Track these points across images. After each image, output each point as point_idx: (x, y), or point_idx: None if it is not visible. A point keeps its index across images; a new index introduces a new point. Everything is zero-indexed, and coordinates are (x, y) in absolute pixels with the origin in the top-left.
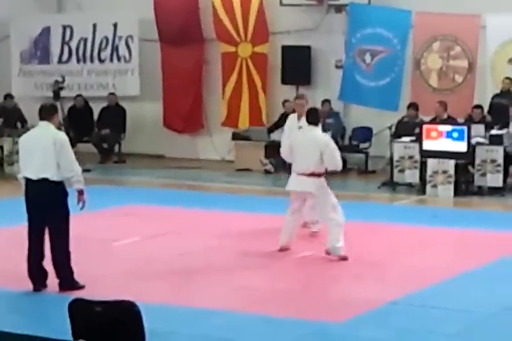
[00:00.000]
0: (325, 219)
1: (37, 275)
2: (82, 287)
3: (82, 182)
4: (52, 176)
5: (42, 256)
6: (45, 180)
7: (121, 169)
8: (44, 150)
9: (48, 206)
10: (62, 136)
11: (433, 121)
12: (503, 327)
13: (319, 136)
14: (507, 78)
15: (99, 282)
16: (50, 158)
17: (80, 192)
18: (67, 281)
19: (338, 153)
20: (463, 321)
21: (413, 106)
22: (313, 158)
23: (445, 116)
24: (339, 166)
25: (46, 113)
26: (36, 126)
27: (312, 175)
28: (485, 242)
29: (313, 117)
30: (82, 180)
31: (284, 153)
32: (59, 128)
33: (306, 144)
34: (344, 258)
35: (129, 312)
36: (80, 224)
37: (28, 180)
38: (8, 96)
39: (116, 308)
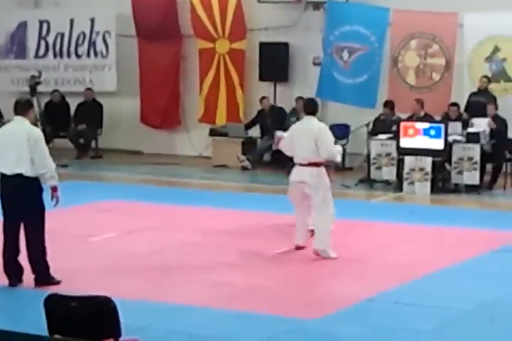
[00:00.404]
0: (315, 211)
1: (12, 271)
2: (58, 282)
3: (55, 179)
4: (27, 172)
5: (17, 252)
6: (19, 175)
7: (98, 165)
8: (18, 146)
9: (22, 201)
10: (37, 132)
11: (410, 119)
12: (478, 323)
13: (314, 125)
14: (484, 76)
15: (76, 277)
16: (24, 154)
17: (54, 189)
18: (43, 276)
19: (331, 141)
20: (438, 318)
21: (389, 104)
22: (308, 146)
23: (422, 113)
24: (334, 154)
25: (21, 108)
26: (11, 121)
27: (310, 164)
28: (461, 239)
29: (310, 107)
30: (56, 177)
31: (284, 146)
32: (35, 124)
33: (303, 134)
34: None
35: (105, 308)
36: (57, 220)
37: (3, 176)
38: None
39: (92, 303)
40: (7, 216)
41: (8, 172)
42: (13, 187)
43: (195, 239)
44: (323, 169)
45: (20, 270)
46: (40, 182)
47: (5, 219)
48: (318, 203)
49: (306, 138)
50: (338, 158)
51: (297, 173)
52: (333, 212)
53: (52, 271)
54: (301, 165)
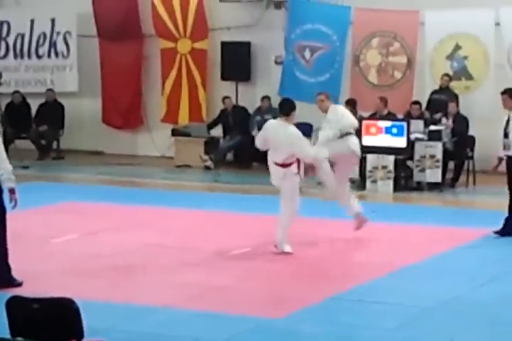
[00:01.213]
0: (281, 205)
1: None
2: (19, 284)
3: (12, 181)
4: None
5: None
6: None
7: (60, 166)
8: None
9: None
10: None
11: (373, 117)
12: (441, 321)
13: (289, 129)
14: (445, 75)
15: (37, 279)
16: None
17: (11, 191)
18: (4, 278)
19: (306, 145)
20: (402, 315)
21: (350, 102)
22: (283, 151)
23: (385, 112)
24: (314, 157)
25: None
26: None
27: (283, 165)
28: (424, 237)
29: (287, 108)
30: (13, 178)
31: (259, 144)
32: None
33: (277, 140)
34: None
35: (67, 309)
36: (18, 221)
37: None
38: None
39: (54, 305)
40: None
41: None
42: None
43: (157, 240)
44: (294, 166)
45: None
46: None
47: None
48: (284, 197)
49: (281, 144)
50: (317, 160)
51: (272, 175)
52: (295, 208)
53: (14, 273)
54: (276, 164)
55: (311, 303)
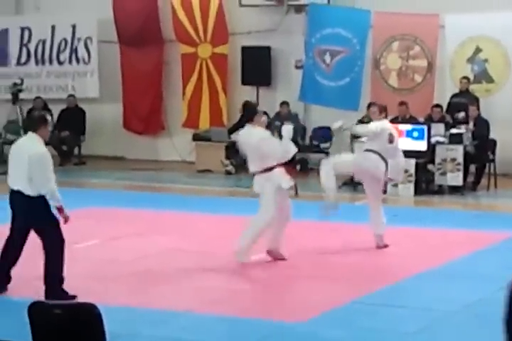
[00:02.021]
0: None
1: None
2: (73, 297)
3: (57, 199)
4: (25, 190)
5: (13, 262)
6: (18, 191)
7: (81, 171)
8: (19, 163)
9: (26, 217)
10: (40, 151)
11: (394, 121)
12: (463, 324)
13: (253, 136)
14: (464, 78)
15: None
16: (23, 172)
17: (59, 210)
18: (56, 291)
19: (275, 147)
20: (423, 319)
21: (372, 105)
22: (253, 159)
23: (408, 116)
24: (284, 157)
25: (30, 124)
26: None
27: (262, 172)
28: (445, 241)
29: (246, 114)
30: (58, 197)
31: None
32: (47, 143)
33: (246, 148)
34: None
35: (89, 315)
36: None
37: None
38: None
39: (76, 311)
40: (14, 226)
41: (11, 186)
42: (15, 202)
43: (178, 244)
44: (273, 173)
45: (8, 279)
46: (41, 200)
47: (12, 228)
48: (260, 205)
49: (249, 153)
50: (290, 155)
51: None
52: (267, 217)
53: (38, 278)
54: (254, 174)
55: (332, 307)
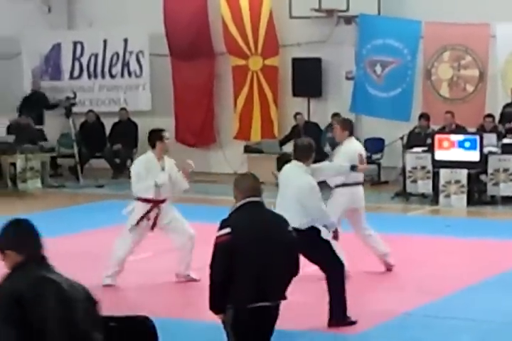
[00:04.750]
0: None
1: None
2: (353, 322)
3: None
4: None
5: None
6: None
7: None
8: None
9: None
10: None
11: (442, 131)
12: None
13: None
14: None
15: (114, 297)
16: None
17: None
18: (338, 317)
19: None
20: (476, 331)
21: (424, 116)
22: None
23: (453, 125)
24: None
25: (300, 153)
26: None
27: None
28: (499, 252)
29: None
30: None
31: None
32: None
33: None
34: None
35: (143, 327)
36: (95, 240)
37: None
38: (23, 114)
39: (130, 323)
40: None
41: None
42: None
43: None
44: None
45: None
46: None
47: None
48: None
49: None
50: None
51: None
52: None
53: (94, 291)
54: None
55: (385, 319)
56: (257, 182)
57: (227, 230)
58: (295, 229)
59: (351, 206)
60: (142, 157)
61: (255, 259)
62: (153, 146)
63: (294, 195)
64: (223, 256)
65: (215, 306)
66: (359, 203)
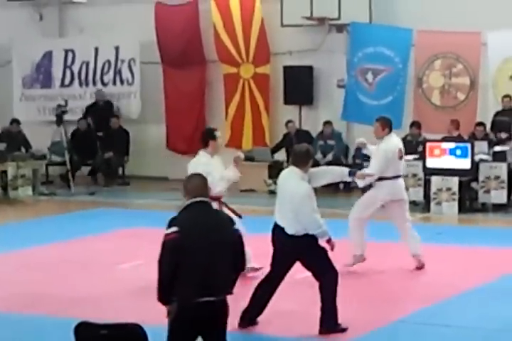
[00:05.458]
0: None
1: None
2: (344, 330)
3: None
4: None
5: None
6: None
7: (126, 192)
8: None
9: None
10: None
11: (444, 140)
12: None
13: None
14: (506, 96)
15: (105, 305)
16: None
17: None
18: (330, 324)
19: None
20: (468, 338)
21: (416, 124)
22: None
23: (456, 134)
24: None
25: (299, 159)
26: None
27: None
28: (490, 259)
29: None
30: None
31: None
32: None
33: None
34: None
35: (134, 335)
36: (85, 248)
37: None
38: (15, 122)
39: (121, 331)
40: None
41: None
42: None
43: None
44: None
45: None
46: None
47: None
48: None
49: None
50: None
51: None
52: None
53: (80, 300)
54: None
55: (376, 327)
56: (204, 182)
57: (175, 229)
58: (292, 236)
59: (391, 198)
60: (198, 158)
61: (200, 257)
62: (206, 145)
63: (288, 202)
64: (170, 254)
65: (162, 299)
66: (400, 195)
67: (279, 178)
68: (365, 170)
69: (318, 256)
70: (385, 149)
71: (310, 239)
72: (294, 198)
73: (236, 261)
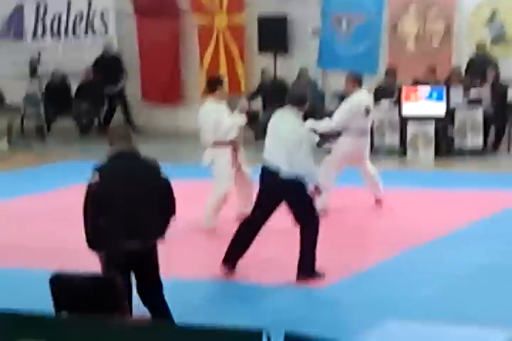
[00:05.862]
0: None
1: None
2: (320, 276)
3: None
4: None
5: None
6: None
7: (102, 143)
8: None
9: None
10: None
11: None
12: (479, 288)
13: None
14: (481, 41)
15: (81, 256)
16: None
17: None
18: (306, 270)
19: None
20: (440, 284)
21: (390, 71)
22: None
23: (433, 80)
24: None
25: (295, 99)
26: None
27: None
28: (465, 202)
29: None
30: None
31: None
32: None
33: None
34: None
35: (111, 285)
36: (63, 200)
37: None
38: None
39: (97, 281)
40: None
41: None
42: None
43: (195, 214)
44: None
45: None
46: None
47: None
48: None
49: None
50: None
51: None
52: (221, 191)
53: (57, 251)
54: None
55: (350, 274)
56: (128, 133)
57: (96, 179)
58: (282, 179)
59: (351, 156)
60: (208, 105)
61: (122, 205)
62: (213, 91)
63: (283, 145)
64: (91, 204)
65: (91, 245)
66: (361, 154)
67: (272, 119)
68: (326, 122)
69: (303, 200)
70: (351, 103)
71: (299, 183)
72: (289, 142)
73: (166, 206)
